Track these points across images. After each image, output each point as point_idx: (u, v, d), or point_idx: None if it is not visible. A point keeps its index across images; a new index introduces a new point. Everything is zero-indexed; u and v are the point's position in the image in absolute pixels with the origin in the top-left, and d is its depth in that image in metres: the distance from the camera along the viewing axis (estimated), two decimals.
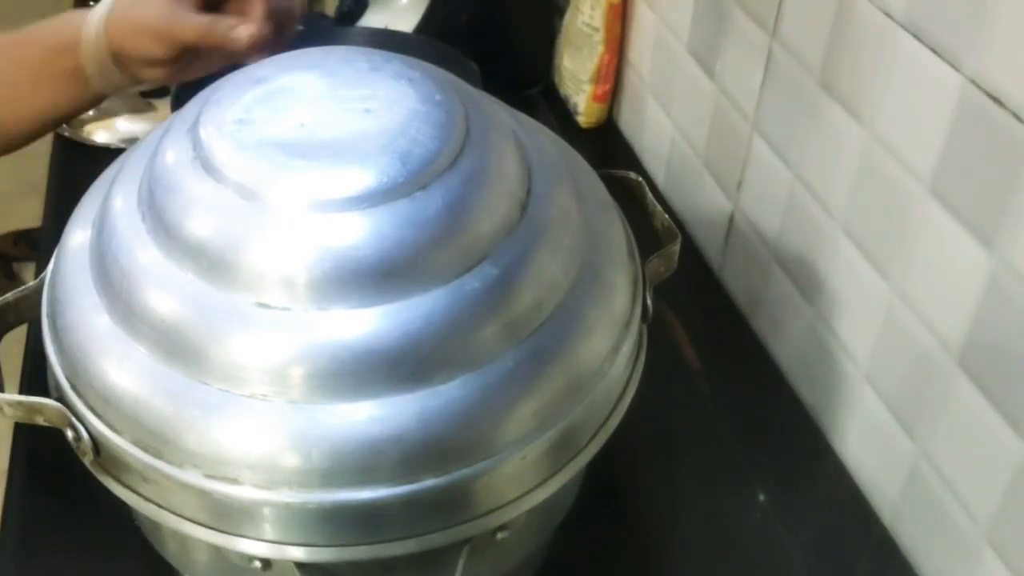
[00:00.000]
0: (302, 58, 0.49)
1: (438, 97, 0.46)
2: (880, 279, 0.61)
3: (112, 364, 0.43)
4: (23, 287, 0.49)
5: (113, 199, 0.47)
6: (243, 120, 0.44)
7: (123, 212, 0.46)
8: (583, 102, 0.96)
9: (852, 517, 0.65)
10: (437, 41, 0.70)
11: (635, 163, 0.95)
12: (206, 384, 0.41)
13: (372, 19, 0.92)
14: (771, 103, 0.72)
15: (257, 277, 0.41)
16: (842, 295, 0.66)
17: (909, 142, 0.57)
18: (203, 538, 0.43)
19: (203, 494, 0.41)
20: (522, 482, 0.44)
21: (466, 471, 0.41)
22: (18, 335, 0.52)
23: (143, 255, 0.43)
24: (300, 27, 0.67)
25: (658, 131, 0.91)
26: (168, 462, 0.42)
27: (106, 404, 0.43)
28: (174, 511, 0.43)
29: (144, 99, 0.96)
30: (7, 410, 0.45)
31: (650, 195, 0.54)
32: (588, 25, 0.93)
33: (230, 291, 0.41)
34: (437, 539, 0.42)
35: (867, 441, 0.66)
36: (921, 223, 0.57)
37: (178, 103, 0.79)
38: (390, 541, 0.42)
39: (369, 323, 0.41)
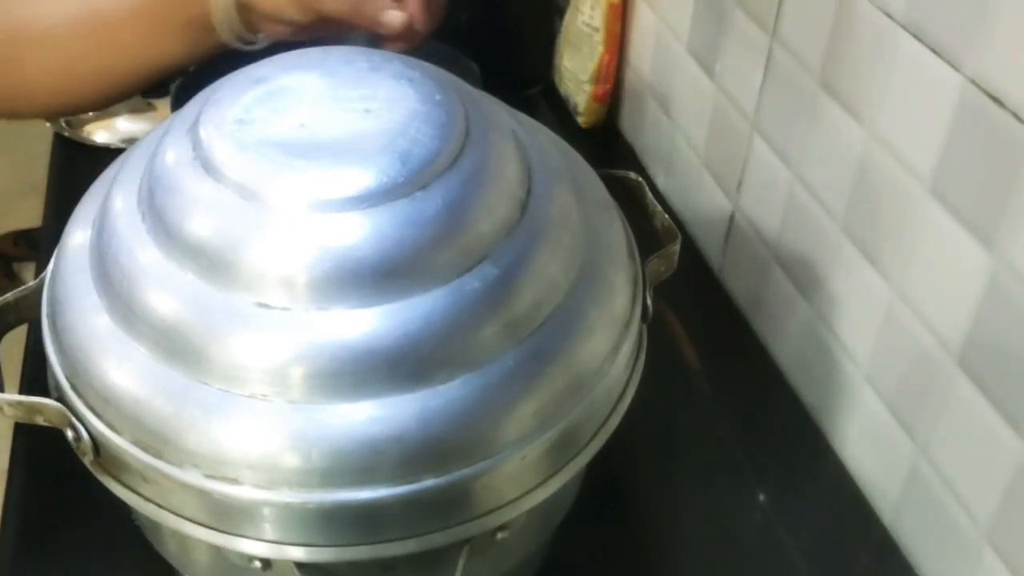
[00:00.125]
0: (302, 58, 0.49)
1: (438, 97, 0.46)
2: (880, 279, 0.61)
3: (112, 364, 0.43)
4: (23, 287, 0.49)
5: (113, 199, 0.47)
6: (243, 120, 0.44)
7: (123, 212, 0.46)
8: (583, 102, 0.96)
9: (852, 517, 0.65)
10: (437, 41, 0.70)
11: (635, 163, 0.95)
12: (206, 384, 0.41)
13: None
14: (771, 103, 0.72)
15: (257, 277, 0.41)
16: (842, 295, 0.66)
17: (909, 142, 0.57)
18: (203, 538, 0.43)
19: (203, 494, 0.41)
20: (522, 482, 0.44)
21: (466, 471, 0.41)
22: (18, 335, 0.52)
23: (143, 255, 0.43)
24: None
25: (658, 131, 0.91)
26: (168, 462, 0.42)
27: (106, 404, 0.43)
28: (174, 511, 0.43)
29: (144, 99, 0.96)
30: (7, 410, 0.45)
31: (650, 195, 0.54)
32: (588, 25, 0.93)
33: (230, 291, 0.41)
34: (437, 539, 0.43)
35: (867, 441, 0.66)
36: (921, 223, 0.57)
37: (178, 103, 0.79)
38: (390, 541, 0.42)
39: (369, 323, 0.41)
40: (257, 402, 0.41)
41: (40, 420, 0.45)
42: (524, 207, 0.45)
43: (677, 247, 0.52)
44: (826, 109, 0.64)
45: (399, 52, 0.58)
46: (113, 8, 0.63)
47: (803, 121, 0.67)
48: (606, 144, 0.98)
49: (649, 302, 0.49)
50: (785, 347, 0.74)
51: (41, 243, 0.83)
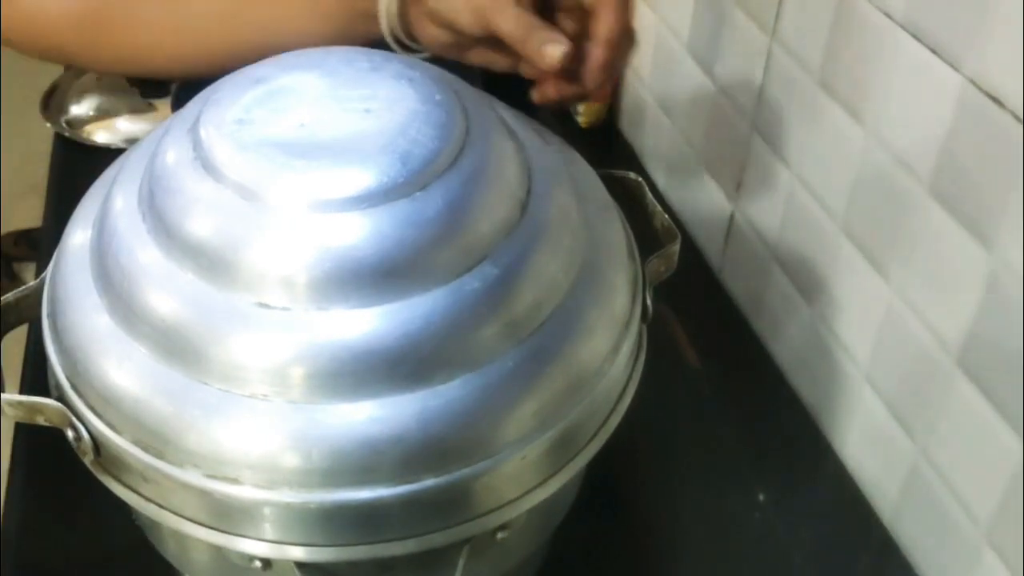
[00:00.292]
0: (302, 58, 0.49)
1: (438, 97, 0.46)
2: (880, 279, 0.61)
3: (112, 364, 0.43)
4: (24, 287, 0.49)
5: (113, 199, 0.47)
6: (243, 120, 0.44)
7: (123, 212, 0.46)
8: (583, 102, 0.96)
9: (852, 517, 0.65)
10: None
11: (635, 163, 0.95)
12: (206, 384, 0.41)
13: None
14: (771, 103, 0.72)
15: (257, 277, 0.41)
16: (842, 295, 0.66)
17: (909, 142, 0.57)
18: (203, 538, 0.43)
19: (203, 494, 0.41)
20: (522, 482, 0.44)
21: (466, 471, 0.41)
22: (18, 335, 0.52)
23: (143, 255, 0.43)
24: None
25: (658, 131, 0.91)
26: (168, 462, 0.42)
27: (106, 404, 0.43)
28: (174, 511, 0.43)
29: (144, 99, 0.96)
30: (7, 410, 0.45)
31: (650, 195, 0.54)
32: None
33: (230, 291, 0.41)
34: (437, 539, 0.43)
35: (867, 441, 0.66)
36: (921, 223, 0.57)
37: (178, 103, 0.79)
38: (390, 541, 0.42)
39: (369, 323, 0.41)
40: (257, 402, 0.41)
41: (40, 420, 0.45)
42: (524, 207, 0.45)
43: (677, 247, 0.52)
44: (826, 109, 0.64)
45: (554, 102, 0.56)
46: None
47: (803, 121, 0.67)
48: (606, 144, 0.98)
49: (649, 302, 0.49)
50: (785, 347, 0.74)
51: (41, 243, 0.84)
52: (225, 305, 0.41)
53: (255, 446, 0.41)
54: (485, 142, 0.45)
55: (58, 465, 0.47)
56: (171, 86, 0.93)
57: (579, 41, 0.56)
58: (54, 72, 1.01)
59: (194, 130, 0.45)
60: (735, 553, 0.62)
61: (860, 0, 0.59)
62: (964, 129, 0.53)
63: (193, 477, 0.41)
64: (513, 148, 0.47)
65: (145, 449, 0.42)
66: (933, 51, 0.54)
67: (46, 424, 0.45)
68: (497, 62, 0.59)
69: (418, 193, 0.42)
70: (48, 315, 0.47)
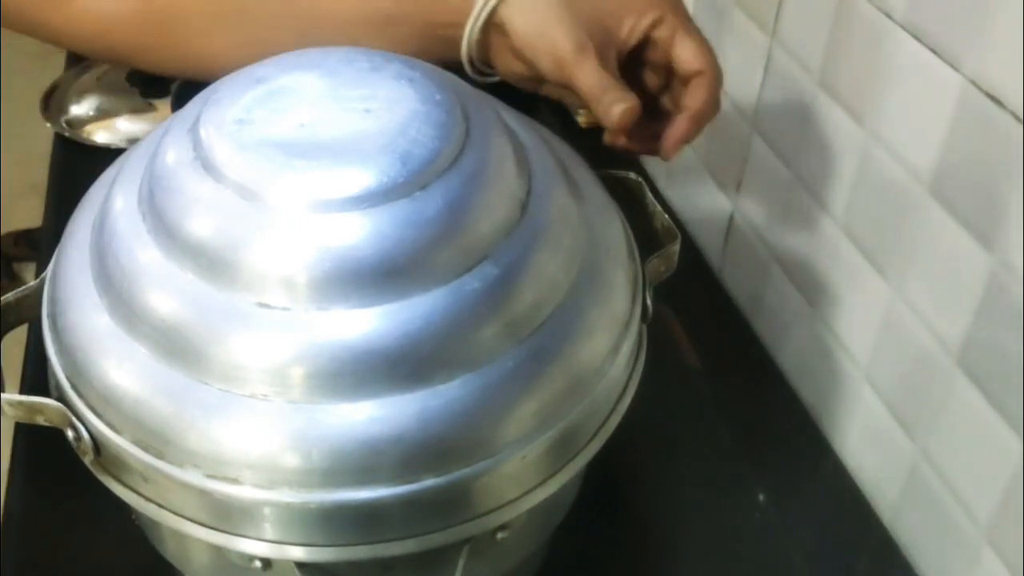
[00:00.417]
0: (302, 58, 0.49)
1: (438, 97, 0.46)
2: (880, 279, 0.61)
3: (113, 364, 0.43)
4: (24, 287, 0.49)
5: (113, 199, 0.47)
6: (243, 120, 0.44)
7: (123, 212, 0.46)
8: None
9: (852, 517, 0.65)
10: None
11: (635, 163, 0.95)
12: (206, 384, 0.41)
13: None
14: (771, 103, 0.72)
15: (257, 277, 0.41)
16: (842, 295, 0.66)
17: (909, 142, 0.57)
18: (204, 538, 0.43)
19: (204, 494, 0.41)
20: (522, 482, 0.44)
21: (466, 471, 0.41)
22: (18, 335, 0.52)
23: (143, 255, 0.43)
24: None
25: None
26: (169, 462, 0.42)
27: (107, 404, 0.43)
28: (175, 511, 0.43)
29: (144, 99, 0.96)
30: (7, 410, 0.45)
31: (650, 195, 0.54)
32: None
33: (230, 291, 0.41)
34: (437, 539, 0.43)
35: (867, 441, 0.66)
36: (921, 223, 0.57)
37: (178, 103, 0.79)
38: (390, 541, 0.42)
39: (369, 323, 0.41)
40: (257, 402, 0.41)
41: (40, 420, 0.45)
42: (524, 207, 0.45)
43: (677, 247, 0.52)
44: (826, 109, 0.64)
45: (623, 148, 0.56)
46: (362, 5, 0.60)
47: (803, 121, 0.67)
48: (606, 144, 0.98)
49: (649, 302, 0.49)
50: (785, 348, 0.74)
51: (41, 243, 0.83)
52: (225, 305, 0.41)
53: (255, 446, 0.41)
54: (485, 142, 0.45)
55: (58, 465, 0.47)
56: (171, 86, 0.93)
57: (659, 97, 0.57)
58: (54, 72, 1.01)
59: (194, 130, 0.45)
60: (735, 553, 0.62)
61: (860, 0, 0.59)
62: (964, 129, 0.53)
63: (193, 477, 0.41)
64: (513, 148, 0.47)
65: (145, 449, 0.42)
66: (933, 51, 0.54)
67: (46, 424, 0.45)
68: (570, 99, 0.59)
69: (418, 193, 0.42)
70: (48, 315, 0.47)
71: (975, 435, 0.55)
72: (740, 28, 0.74)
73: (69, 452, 0.44)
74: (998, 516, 0.54)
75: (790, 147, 0.70)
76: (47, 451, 0.49)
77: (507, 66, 0.59)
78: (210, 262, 0.42)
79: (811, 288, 0.69)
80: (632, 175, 0.55)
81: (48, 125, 0.94)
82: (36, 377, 0.50)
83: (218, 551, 0.45)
